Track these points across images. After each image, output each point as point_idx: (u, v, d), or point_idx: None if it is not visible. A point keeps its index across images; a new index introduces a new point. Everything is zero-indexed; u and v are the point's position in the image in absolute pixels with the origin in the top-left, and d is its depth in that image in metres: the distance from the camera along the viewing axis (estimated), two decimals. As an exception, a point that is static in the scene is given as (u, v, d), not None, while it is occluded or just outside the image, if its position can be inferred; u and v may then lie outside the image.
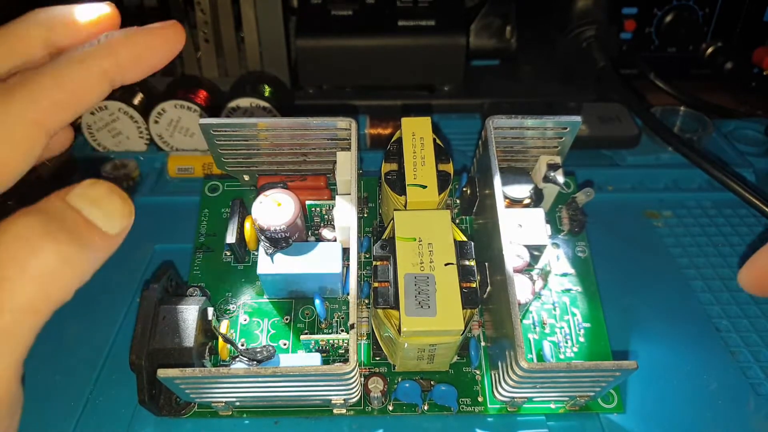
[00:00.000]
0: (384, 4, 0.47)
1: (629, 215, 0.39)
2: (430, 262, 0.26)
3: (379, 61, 0.46)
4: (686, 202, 0.40)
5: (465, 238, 0.28)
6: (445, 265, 0.26)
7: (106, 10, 0.21)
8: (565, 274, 0.32)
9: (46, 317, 0.16)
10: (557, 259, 0.33)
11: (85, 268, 0.17)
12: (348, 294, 0.27)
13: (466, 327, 0.25)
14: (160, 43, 0.20)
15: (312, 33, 0.45)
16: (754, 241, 0.37)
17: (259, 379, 0.23)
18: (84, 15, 0.21)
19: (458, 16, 0.47)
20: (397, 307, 0.25)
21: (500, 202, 0.27)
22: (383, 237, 0.28)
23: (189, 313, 0.27)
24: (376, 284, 0.26)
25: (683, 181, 0.42)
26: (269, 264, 0.28)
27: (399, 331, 0.25)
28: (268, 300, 0.31)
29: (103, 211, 0.17)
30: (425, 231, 0.27)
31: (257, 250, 0.29)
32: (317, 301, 0.29)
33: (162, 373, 0.22)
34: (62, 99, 0.18)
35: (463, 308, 0.25)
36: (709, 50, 0.51)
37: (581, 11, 0.47)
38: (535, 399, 0.28)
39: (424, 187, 0.29)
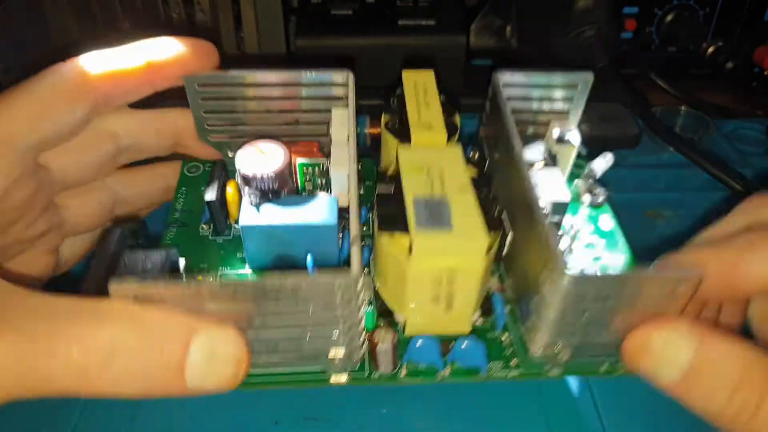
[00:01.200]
0: (384, 4, 0.47)
1: (630, 215, 0.39)
2: (442, 190, 0.22)
3: (379, 61, 0.46)
4: (687, 202, 0.40)
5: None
6: (459, 193, 0.21)
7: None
8: (590, 245, 0.30)
9: None
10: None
11: None
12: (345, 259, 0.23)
13: (490, 250, 0.20)
14: None
15: (312, 33, 0.45)
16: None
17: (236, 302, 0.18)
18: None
19: (458, 15, 0.47)
20: (405, 228, 0.20)
21: (516, 140, 0.24)
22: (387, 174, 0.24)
23: (155, 257, 0.23)
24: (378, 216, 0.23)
25: (684, 180, 0.42)
26: (254, 214, 0.24)
27: (410, 251, 0.20)
28: (251, 271, 0.27)
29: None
30: (435, 166, 0.23)
31: (238, 222, 0.25)
32: (309, 265, 0.25)
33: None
34: None
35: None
36: (710, 50, 0.51)
37: (581, 11, 0.47)
38: (578, 358, 0.22)
39: (431, 128, 0.25)
